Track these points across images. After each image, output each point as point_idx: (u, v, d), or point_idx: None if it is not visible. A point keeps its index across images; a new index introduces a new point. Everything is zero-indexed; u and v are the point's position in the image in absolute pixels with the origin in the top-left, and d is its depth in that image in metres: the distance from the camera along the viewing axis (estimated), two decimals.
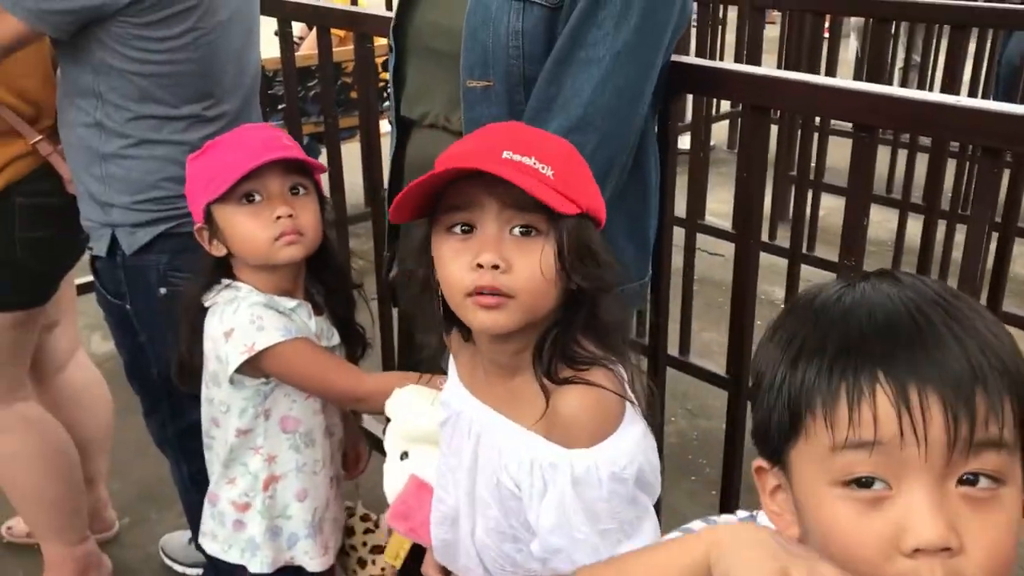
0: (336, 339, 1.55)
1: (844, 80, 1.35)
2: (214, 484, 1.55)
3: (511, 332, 1.02)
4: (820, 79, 1.36)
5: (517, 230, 0.98)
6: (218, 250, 1.45)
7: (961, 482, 0.65)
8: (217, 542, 1.55)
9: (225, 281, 1.47)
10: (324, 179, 2.79)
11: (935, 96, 1.25)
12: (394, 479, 1.27)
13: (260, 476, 1.50)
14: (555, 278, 0.99)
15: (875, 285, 0.71)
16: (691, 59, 1.52)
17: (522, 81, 1.31)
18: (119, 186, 1.61)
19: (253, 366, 1.42)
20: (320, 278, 1.55)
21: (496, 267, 0.97)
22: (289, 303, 1.47)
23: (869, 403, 0.65)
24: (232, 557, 1.53)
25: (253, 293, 1.44)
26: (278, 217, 1.38)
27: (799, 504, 0.72)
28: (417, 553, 1.29)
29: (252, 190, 1.39)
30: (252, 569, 1.52)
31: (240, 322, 1.41)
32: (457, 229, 1.00)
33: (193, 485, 1.84)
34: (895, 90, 1.28)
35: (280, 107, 3.10)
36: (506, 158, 0.97)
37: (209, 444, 1.55)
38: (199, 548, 1.72)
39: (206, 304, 1.47)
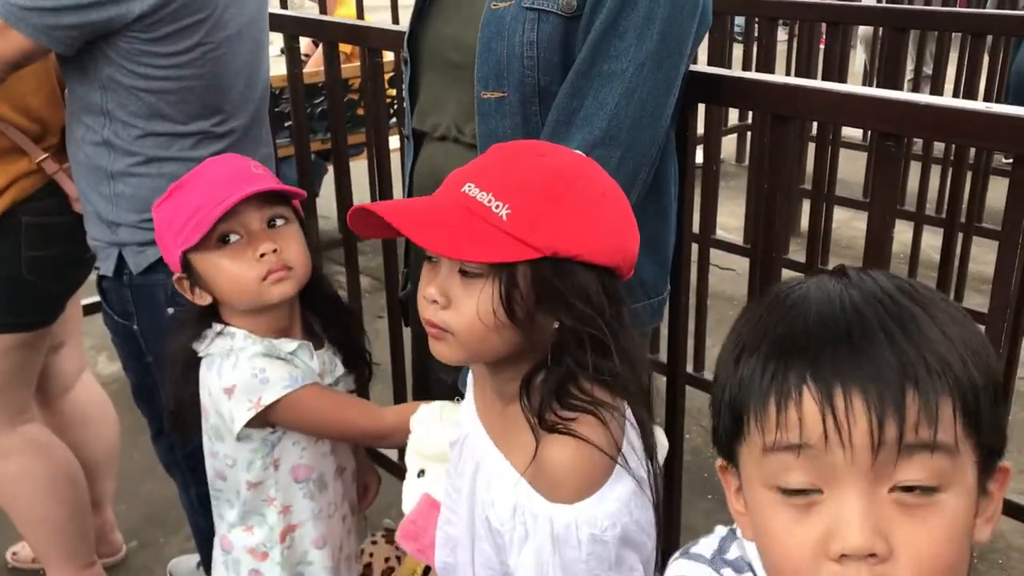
0: (340, 369, 1.49)
1: (871, 88, 1.31)
2: (226, 530, 1.48)
3: (493, 361, 1.01)
4: (847, 87, 1.32)
5: (461, 270, 0.97)
6: (202, 299, 1.37)
7: (895, 488, 0.62)
8: None
9: (217, 327, 1.38)
10: (331, 197, 2.77)
11: (971, 104, 1.21)
12: (411, 497, 1.24)
13: (276, 528, 1.44)
14: (497, 323, 0.95)
15: (821, 283, 0.69)
16: (711, 69, 1.48)
17: (536, 92, 1.29)
18: (127, 204, 1.58)
19: (260, 419, 1.35)
20: (313, 308, 1.48)
21: (436, 302, 0.98)
22: (289, 345, 1.40)
23: (796, 404, 0.63)
24: None
25: (250, 341, 1.36)
26: (262, 255, 1.31)
27: (748, 505, 0.71)
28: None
29: (229, 231, 1.31)
30: None
31: (241, 377, 1.33)
32: (428, 258, 1.01)
33: (201, 507, 1.80)
34: (928, 98, 1.25)
35: (287, 124, 3.08)
36: (464, 192, 0.95)
37: (216, 495, 1.49)
38: (207, 573, 1.69)
39: (200, 354, 1.39)
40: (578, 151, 1.23)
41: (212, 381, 1.36)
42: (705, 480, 2.70)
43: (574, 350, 0.97)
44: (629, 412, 1.03)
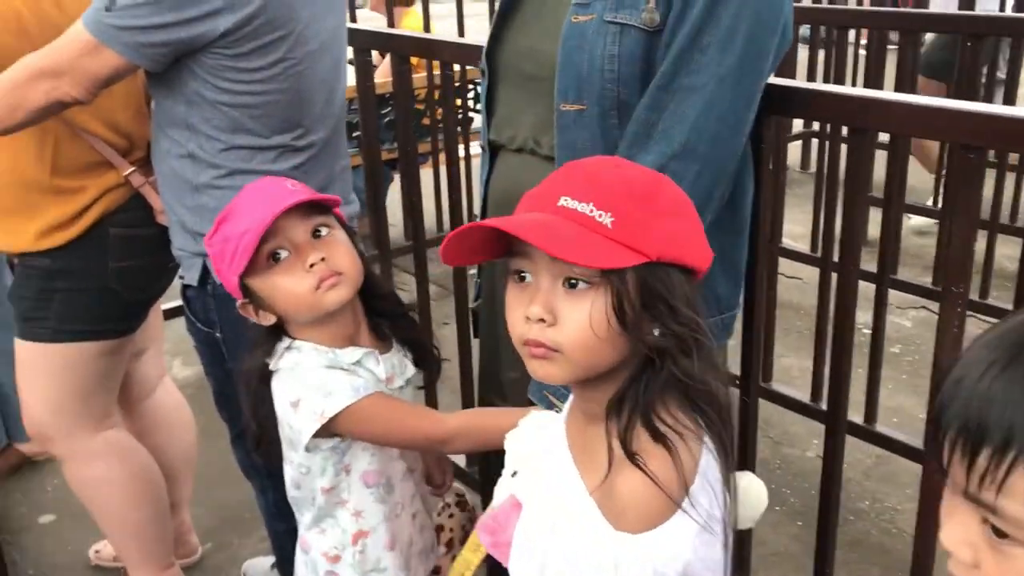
0: (411, 370, 1.51)
1: (950, 100, 1.30)
2: (306, 531, 1.52)
3: (585, 381, 0.99)
4: (925, 100, 1.31)
5: (568, 283, 0.95)
6: (267, 319, 1.40)
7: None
8: None
9: (285, 342, 1.42)
10: (396, 204, 2.79)
11: None
12: (501, 494, 1.25)
13: (349, 531, 1.47)
14: (609, 333, 0.93)
15: None
16: (784, 80, 1.48)
17: (616, 105, 1.30)
18: (211, 216, 1.61)
19: (326, 430, 1.37)
20: (375, 310, 1.50)
21: (543, 320, 0.94)
22: (353, 355, 1.41)
23: None
24: None
25: (315, 354, 1.39)
26: (311, 265, 1.33)
27: None
28: (495, 569, 1.26)
29: (276, 247, 1.33)
30: None
31: (306, 390, 1.36)
32: (516, 276, 0.98)
33: (278, 512, 1.84)
34: (1009, 109, 1.23)
35: (354, 135, 3.13)
36: (561, 205, 0.94)
37: (295, 498, 1.52)
38: (282, 574, 1.72)
39: (271, 368, 1.42)
40: (655, 164, 1.25)
41: (280, 395, 1.39)
42: (772, 492, 2.64)
43: (679, 357, 0.95)
44: (709, 440, 0.99)
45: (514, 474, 1.16)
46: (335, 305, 1.35)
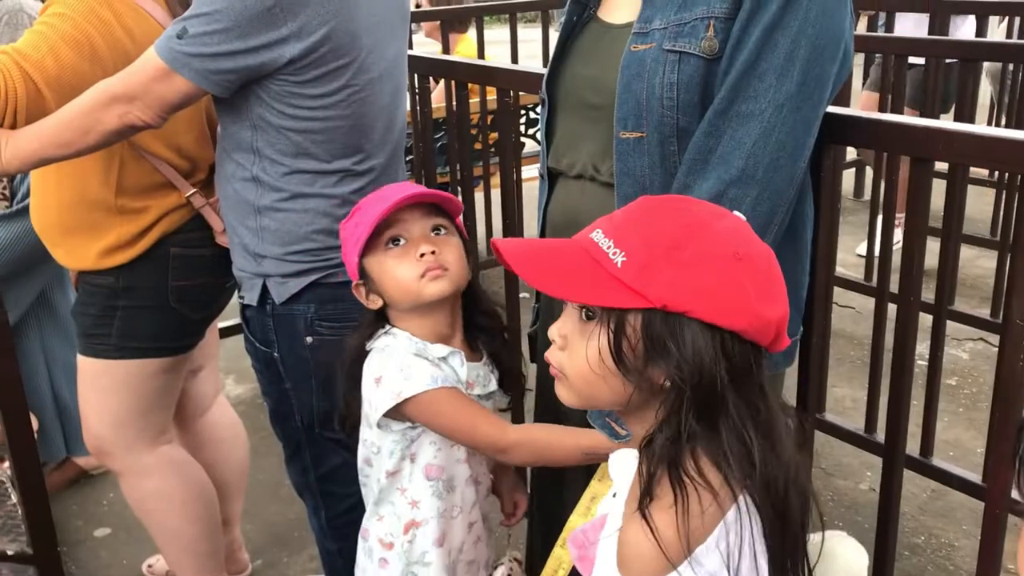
0: (493, 385, 1.56)
1: (1015, 131, 1.28)
2: (366, 519, 1.59)
3: (623, 412, 1.01)
4: (990, 130, 1.29)
5: (584, 312, 0.98)
6: (374, 303, 1.50)
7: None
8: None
9: (385, 328, 1.52)
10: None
11: None
12: (600, 511, 1.26)
13: (403, 519, 1.52)
14: (603, 370, 0.95)
15: None
16: (846, 110, 1.47)
17: (675, 132, 1.30)
18: (272, 238, 1.65)
19: (400, 412, 1.45)
20: (474, 321, 1.57)
21: (556, 342, 1.01)
22: (441, 351, 1.49)
23: None
24: None
25: (407, 340, 1.48)
26: (421, 255, 1.43)
27: None
28: None
29: (396, 235, 1.46)
30: None
31: (389, 370, 1.45)
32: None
33: (331, 531, 1.86)
34: None
35: (408, 159, 3.17)
36: (591, 237, 0.97)
37: (364, 481, 1.58)
38: None
39: (367, 348, 1.52)
40: (713, 189, 1.24)
41: (367, 372, 1.48)
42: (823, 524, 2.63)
43: (681, 413, 0.93)
44: (748, 502, 0.95)
45: (614, 495, 1.16)
46: (434, 296, 1.44)
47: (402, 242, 1.45)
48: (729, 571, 0.94)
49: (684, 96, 1.28)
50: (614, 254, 0.94)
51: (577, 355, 0.98)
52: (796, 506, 0.97)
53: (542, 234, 1.56)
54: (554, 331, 1.00)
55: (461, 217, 1.57)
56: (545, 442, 1.43)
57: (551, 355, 1.02)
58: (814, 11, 1.22)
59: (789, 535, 0.97)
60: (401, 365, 1.44)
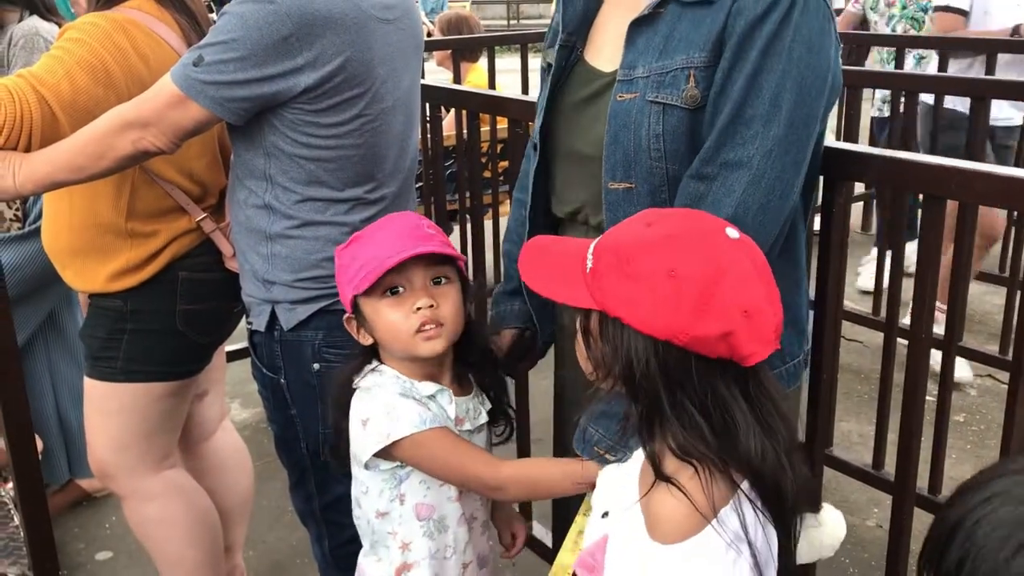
0: (483, 418, 1.54)
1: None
2: (363, 556, 1.57)
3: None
4: (1004, 169, 1.29)
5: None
6: (365, 339, 1.48)
7: None
8: None
9: (374, 364, 1.49)
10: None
11: None
12: (592, 534, 1.26)
13: (395, 563, 1.50)
14: (582, 354, 1.11)
15: None
16: (858, 147, 1.47)
17: (666, 181, 1.30)
18: (282, 264, 1.65)
19: (389, 453, 1.43)
20: (466, 359, 1.55)
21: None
22: (429, 389, 1.46)
23: None
24: None
25: (394, 379, 1.46)
26: (418, 308, 1.41)
27: None
28: None
29: (395, 283, 1.42)
30: None
31: (375, 411, 1.42)
32: None
33: (335, 560, 1.84)
34: None
35: (417, 186, 3.18)
36: (591, 242, 1.09)
37: (358, 516, 1.57)
38: None
39: (354, 386, 1.49)
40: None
41: (354, 412, 1.46)
42: (830, 561, 2.60)
43: (631, 406, 1.07)
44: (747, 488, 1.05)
45: (605, 515, 1.19)
46: (428, 355, 1.43)
47: (401, 291, 1.42)
48: (749, 531, 1.03)
49: (671, 146, 1.28)
50: (589, 259, 1.06)
51: (576, 339, 1.12)
52: (789, 491, 1.05)
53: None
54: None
55: (468, 253, 1.56)
56: (536, 476, 1.42)
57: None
58: (797, 51, 1.22)
59: (783, 507, 1.06)
60: (387, 407, 1.41)
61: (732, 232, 1.04)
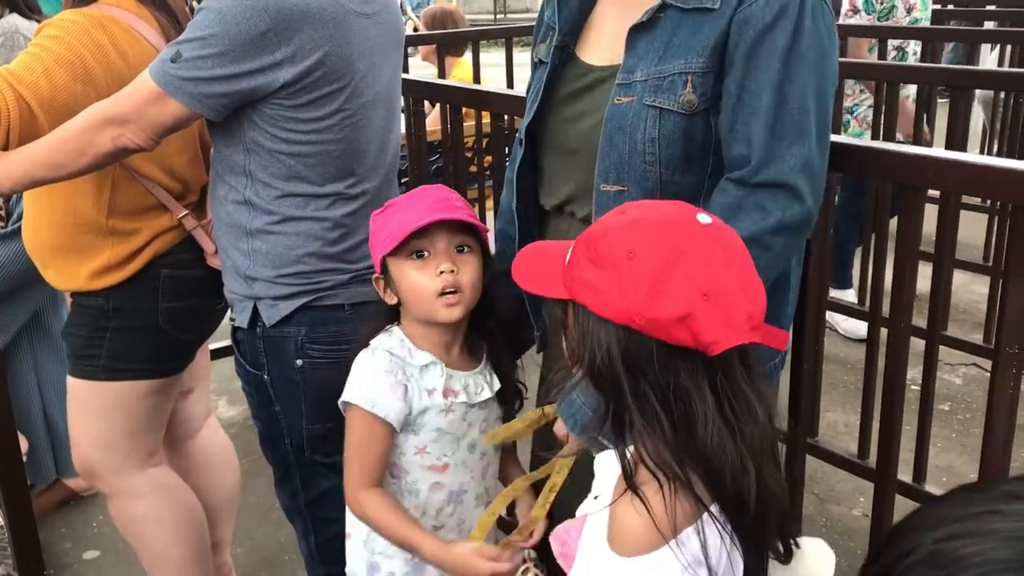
0: (486, 394, 1.55)
1: (1006, 160, 1.29)
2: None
3: None
4: (981, 159, 1.30)
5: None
6: (390, 299, 1.53)
7: None
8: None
9: (391, 327, 1.55)
10: None
11: None
12: (581, 510, 1.27)
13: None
14: (564, 347, 1.08)
15: None
16: (837, 138, 1.48)
17: (659, 186, 1.31)
18: (263, 260, 1.65)
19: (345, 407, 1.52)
20: (481, 329, 1.57)
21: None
22: (423, 359, 1.51)
23: None
24: None
25: (399, 341, 1.51)
26: (440, 272, 1.45)
27: None
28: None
29: (422, 247, 1.47)
30: None
31: (361, 369, 1.50)
32: None
33: (320, 556, 1.84)
34: None
35: (403, 180, 3.18)
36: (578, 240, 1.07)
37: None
38: None
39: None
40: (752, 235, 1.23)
41: (355, 361, 1.53)
42: None
43: (599, 401, 1.04)
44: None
45: (596, 497, 1.18)
46: (447, 321, 1.48)
47: (426, 255, 1.47)
48: (709, 556, 0.99)
49: (666, 151, 1.29)
50: (570, 251, 1.05)
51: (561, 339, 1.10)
52: (750, 507, 1.00)
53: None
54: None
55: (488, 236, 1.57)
56: (381, 524, 1.49)
57: None
58: (813, 56, 1.23)
59: (750, 526, 1.01)
60: (370, 373, 1.48)
61: (703, 217, 1.01)
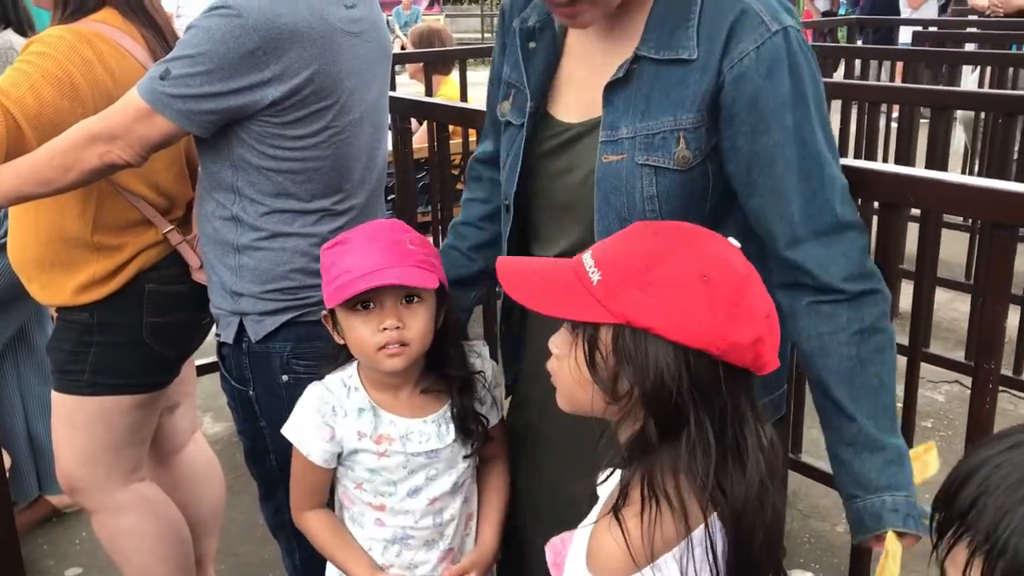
0: (432, 444, 1.49)
1: (985, 179, 1.31)
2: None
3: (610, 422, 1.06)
4: (960, 178, 1.32)
5: (568, 323, 1.06)
6: (340, 339, 1.50)
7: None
8: None
9: (347, 366, 1.53)
10: None
11: None
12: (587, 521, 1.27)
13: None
14: (581, 376, 1.02)
15: None
16: None
17: None
18: (250, 276, 1.66)
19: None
20: (437, 368, 1.52)
21: (553, 352, 1.09)
22: (358, 403, 1.48)
23: None
24: None
25: (339, 382, 1.51)
26: (384, 328, 1.41)
27: None
28: None
29: (368, 299, 1.42)
30: None
31: (298, 403, 1.51)
32: None
33: (305, 572, 1.84)
34: None
35: (389, 197, 3.19)
36: (583, 258, 1.05)
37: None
38: None
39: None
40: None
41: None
42: (799, 567, 2.63)
43: (649, 426, 0.99)
44: (717, 523, 0.99)
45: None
46: (389, 370, 1.45)
47: (372, 306, 1.42)
48: None
49: (667, 207, 1.28)
50: (592, 272, 1.01)
51: (564, 364, 1.05)
52: (759, 536, 1.00)
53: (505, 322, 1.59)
54: (552, 342, 1.08)
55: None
56: (319, 544, 1.56)
57: (549, 364, 1.09)
58: (811, 89, 1.24)
59: (745, 564, 1.00)
60: (302, 410, 1.50)
61: (734, 241, 1.04)
